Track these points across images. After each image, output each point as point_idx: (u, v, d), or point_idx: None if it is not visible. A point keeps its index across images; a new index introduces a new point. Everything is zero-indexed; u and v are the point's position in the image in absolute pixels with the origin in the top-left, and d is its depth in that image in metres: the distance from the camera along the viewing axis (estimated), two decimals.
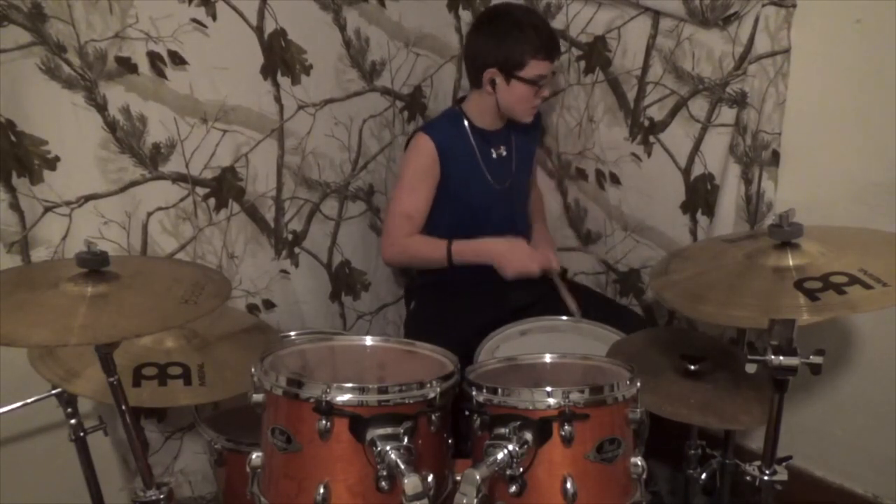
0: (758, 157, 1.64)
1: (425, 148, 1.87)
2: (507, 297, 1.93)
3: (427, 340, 1.41)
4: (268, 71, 1.80)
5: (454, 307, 1.94)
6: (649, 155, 1.94)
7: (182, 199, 1.73)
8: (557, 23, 2.00)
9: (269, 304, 1.96)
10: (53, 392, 1.39)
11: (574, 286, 2.11)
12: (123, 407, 1.17)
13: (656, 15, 1.79)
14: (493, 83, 1.82)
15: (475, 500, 1.05)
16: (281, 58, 1.82)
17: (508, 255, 1.85)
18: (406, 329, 2.15)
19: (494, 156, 1.96)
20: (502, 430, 1.17)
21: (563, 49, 1.98)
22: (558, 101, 2.11)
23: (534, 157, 2.11)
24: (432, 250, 1.89)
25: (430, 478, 1.14)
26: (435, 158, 1.87)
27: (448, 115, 1.98)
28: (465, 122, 1.93)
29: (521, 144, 2.01)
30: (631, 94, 1.93)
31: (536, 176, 2.25)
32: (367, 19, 1.99)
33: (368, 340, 1.43)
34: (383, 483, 1.13)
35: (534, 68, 1.79)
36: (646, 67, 1.86)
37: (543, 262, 1.87)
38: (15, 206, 1.49)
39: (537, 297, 1.94)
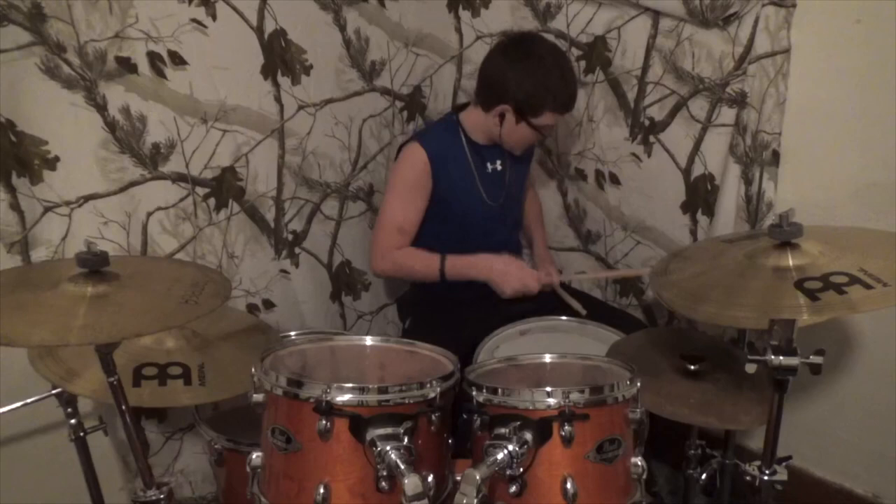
0: (758, 157, 1.64)
1: (418, 159, 1.83)
2: (505, 311, 1.90)
3: None
4: (268, 71, 1.80)
5: (451, 320, 1.88)
6: (649, 155, 1.94)
7: (182, 199, 1.73)
8: (557, 23, 2.00)
9: (269, 304, 1.96)
10: (53, 392, 1.39)
11: (570, 290, 2.11)
12: (123, 407, 1.17)
13: (656, 15, 1.79)
14: (502, 116, 1.79)
15: (475, 500, 1.05)
16: (281, 58, 1.82)
17: (505, 273, 1.81)
18: None
19: (490, 170, 1.93)
20: (502, 430, 1.17)
21: (562, 49, 1.98)
22: None
23: (528, 170, 2.08)
24: (425, 265, 1.85)
25: (430, 478, 1.14)
26: (427, 170, 1.83)
27: (444, 124, 1.94)
28: (462, 134, 1.89)
29: (516, 158, 1.97)
30: (631, 94, 1.92)
31: (535, 179, 2.24)
32: (367, 19, 1.99)
33: (368, 340, 1.43)
34: (383, 483, 1.13)
35: (547, 119, 1.78)
36: (646, 67, 1.86)
37: (543, 279, 1.85)
38: (15, 206, 1.49)
39: (537, 307, 1.92)
